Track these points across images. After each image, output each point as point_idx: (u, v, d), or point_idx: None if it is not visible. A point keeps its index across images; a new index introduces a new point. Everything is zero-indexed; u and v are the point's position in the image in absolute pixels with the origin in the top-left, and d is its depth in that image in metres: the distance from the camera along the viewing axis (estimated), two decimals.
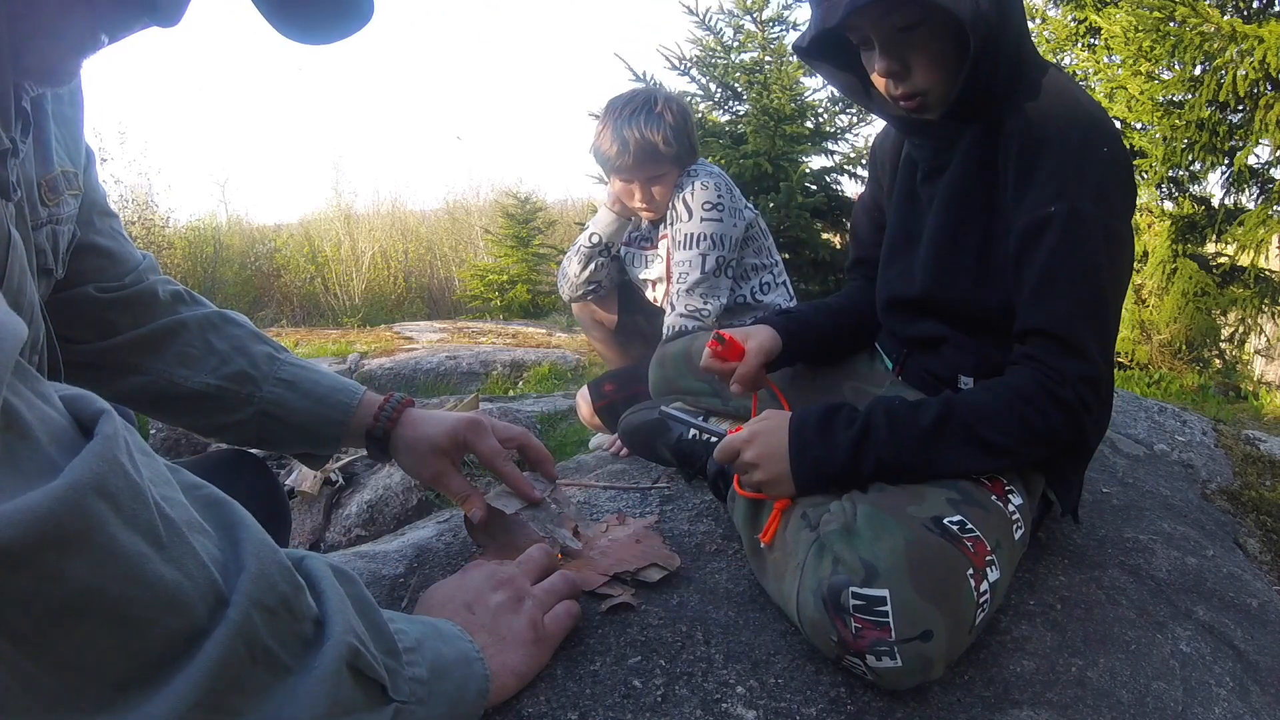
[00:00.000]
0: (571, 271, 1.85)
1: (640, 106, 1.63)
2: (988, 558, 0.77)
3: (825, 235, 3.80)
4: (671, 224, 1.68)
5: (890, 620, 0.69)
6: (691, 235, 1.63)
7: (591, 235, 1.79)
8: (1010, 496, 0.87)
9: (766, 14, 3.84)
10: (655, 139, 1.60)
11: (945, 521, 0.78)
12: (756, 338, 1.07)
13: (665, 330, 1.64)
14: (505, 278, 6.53)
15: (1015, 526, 0.85)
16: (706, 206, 1.63)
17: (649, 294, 1.87)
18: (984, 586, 0.75)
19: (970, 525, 0.78)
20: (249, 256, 7.29)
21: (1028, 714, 0.77)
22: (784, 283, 1.81)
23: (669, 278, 1.72)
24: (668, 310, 1.66)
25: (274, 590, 0.46)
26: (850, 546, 0.75)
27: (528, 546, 0.84)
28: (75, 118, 0.74)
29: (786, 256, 3.46)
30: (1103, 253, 0.85)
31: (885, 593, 0.70)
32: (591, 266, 1.82)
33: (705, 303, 1.61)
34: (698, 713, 0.70)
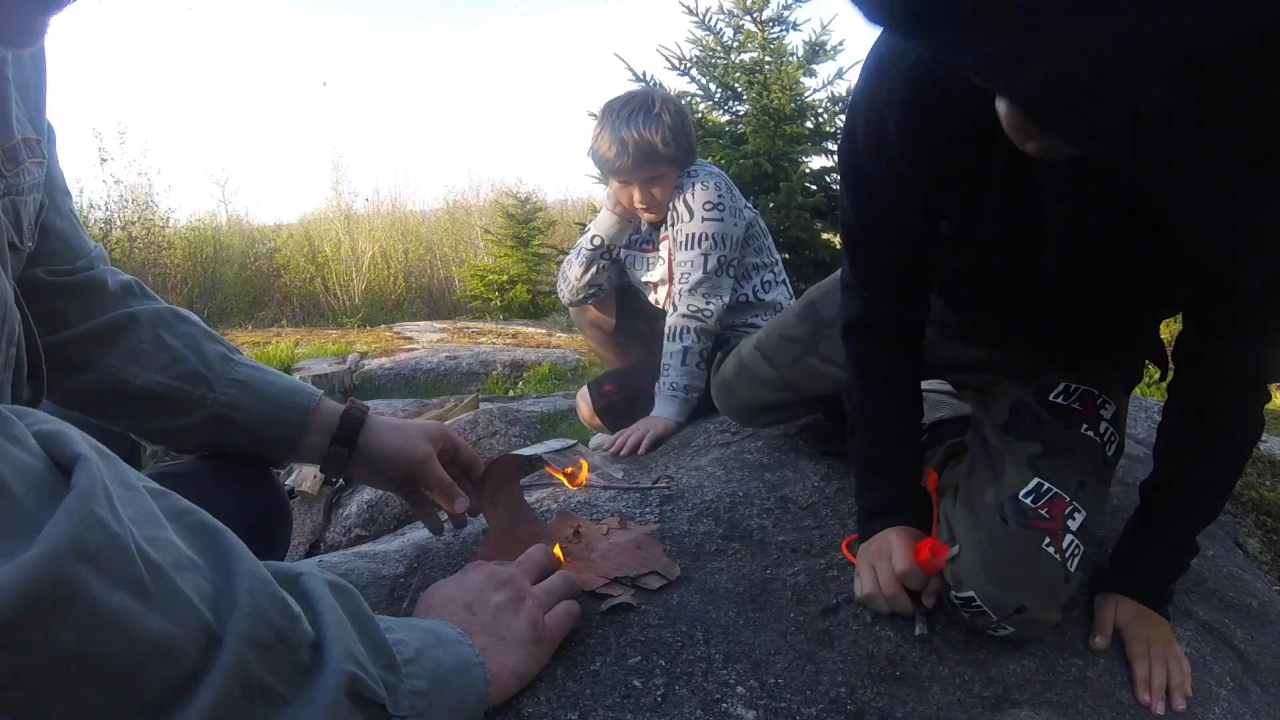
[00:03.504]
0: (572, 275, 1.84)
1: (638, 108, 1.63)
2: (1067, 511, 0.83)
3: (825, 235, 3.80)
4: (672, 225, 1.68)
5: (987, 609, 0.80)
6: (693, 235, 1.63)
7: (593, 237, 1.79)
8: (1104, 410, 0.91)
9: (766, 14, 3.84)
10: (653, 139, 1.60)
11: (1020, 496, 0.84)
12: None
13: (666, 331, 1.64)
14: (505, 278, 6.53)
15: (1108, 446, 0.90)
16: (707, 206, 1.63)
17: (650, 296, 1.87)
18: (1067, 540, 0.81)
19: (1048, 485, 0.84)
20: (249, 256, 7.28)
21: (1028, 714, 0.77)
22: (784, 281, 1.82)
23: (671, 279, 1.72)
24: (670, 311, 1.66)
25: (268, 625, 0.46)
26: (952, 544, 0.85)
27: (529, 528, 0.85)
28: (38, 83, 0.69)
29: (786, 256, 3.46)
30: None
31: (972, 593, 0.81)
32: (593, 270, 1.82)
33: (707, 302, 1.62)
34: (698, 713, 0.70)
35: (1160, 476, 0.90)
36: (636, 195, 1.68)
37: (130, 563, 0.40)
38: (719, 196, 1.64)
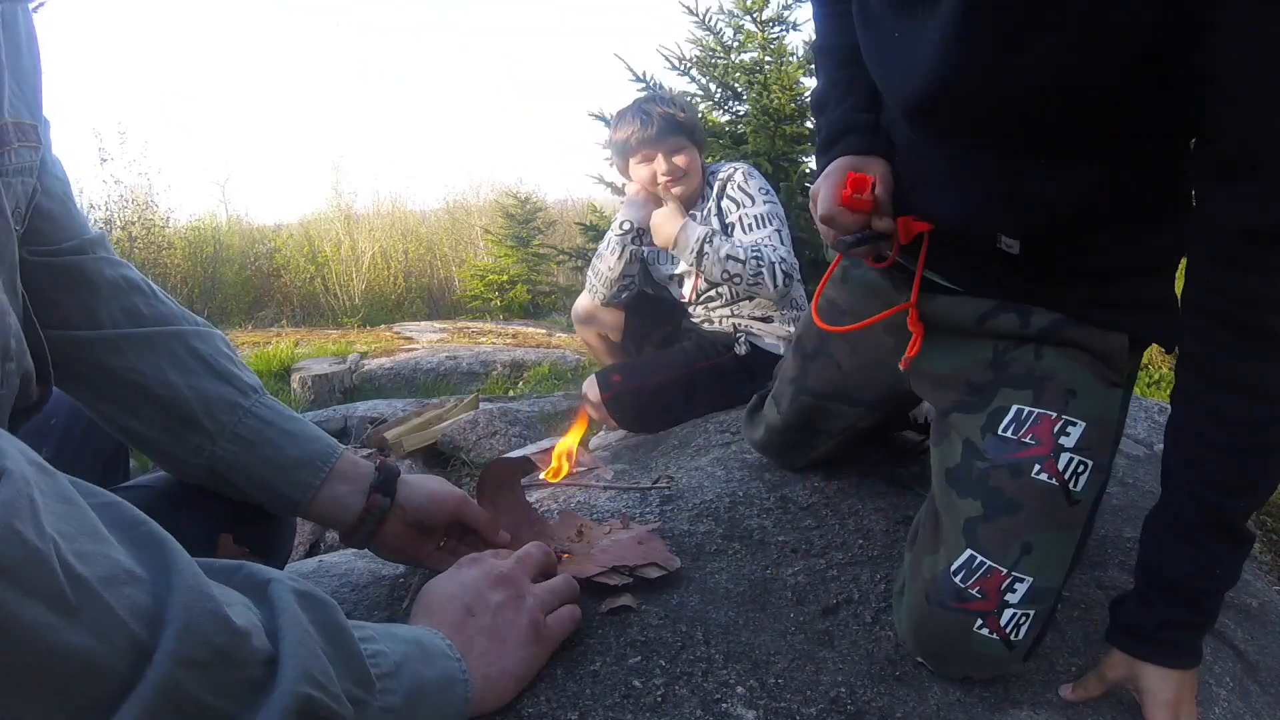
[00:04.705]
0: (604, 266, 1.85)
1: (651, 95, 1.81)
2: (1004, 585, 0.78)
3: None
4: (727, 215, 1.77)
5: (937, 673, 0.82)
6: (761, 215, 1.75)
7: (622, 223, 1.82)
8: (1064, 437, 0.80)
9: (766, 14, 3.83)
10: (673, 110, 1.77)
11: (952, 572, 0.80)
12: (879, 173, 0.88)
13: (751, 250, 1.66)
14: (505, 278, 6.53)
15: (1073, 480, 0.80)
16: (763, 191, 1.77)
17: (675, 290, 1.89)
18: (1006, 616, 0.77)
19: (981, 559, 0.79)
20: (249, 256, 7.29)
21: (1027, 714, 0.77)
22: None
23: (699, 270, 1.77)
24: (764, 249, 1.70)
25: (205, 644, 0.45)
26: (896, 613, 0.87)
27: (531, 531, 0.85)
28: (34, 71, 0.67)
29: None
30: None
31: (919, 659, 0.83)
32: (627, 256, 1.83)
33: (792, 265, 1.73)
34: (698, 713, 0.70)
35: (1170, 454, 0.74)
36: (661, 167, 1.74)
37: (50, 576, 0.40)
38: (764, 182, 1.79)
